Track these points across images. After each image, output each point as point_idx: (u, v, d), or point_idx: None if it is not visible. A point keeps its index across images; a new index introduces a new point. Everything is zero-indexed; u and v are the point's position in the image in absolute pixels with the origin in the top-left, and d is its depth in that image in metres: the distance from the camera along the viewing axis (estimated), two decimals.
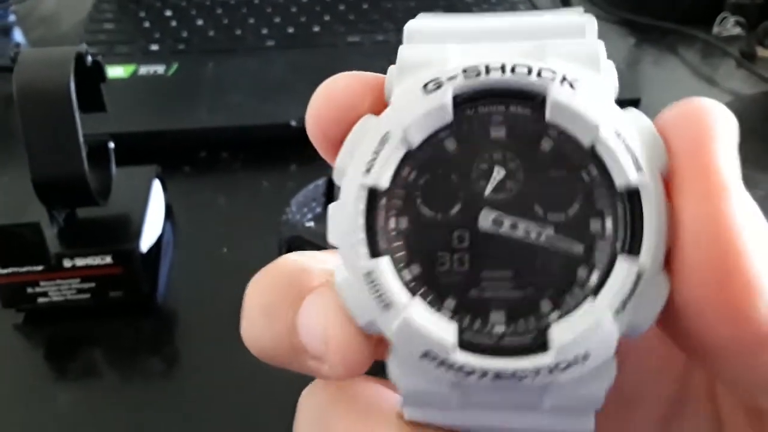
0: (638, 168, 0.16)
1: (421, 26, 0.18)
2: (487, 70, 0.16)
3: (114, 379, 0.43)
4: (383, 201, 0.17)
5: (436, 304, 0.17)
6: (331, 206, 0.17)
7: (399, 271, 0.17)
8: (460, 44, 0.17)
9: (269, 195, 0.57)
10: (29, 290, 0.44)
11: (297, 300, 0.18)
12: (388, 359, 0.17)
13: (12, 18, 0.84)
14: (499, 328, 0.16)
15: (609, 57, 0.17)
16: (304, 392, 0.19)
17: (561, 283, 0.16)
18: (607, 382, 0.16)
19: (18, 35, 0.82)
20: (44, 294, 0.44)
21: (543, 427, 0.17)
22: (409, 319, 0.16)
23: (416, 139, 0.17)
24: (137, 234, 0.45)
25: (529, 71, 0.16)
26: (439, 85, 0.17)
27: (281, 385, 0.42)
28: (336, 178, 0.17)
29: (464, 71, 0.17)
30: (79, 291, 0.45)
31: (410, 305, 0.16)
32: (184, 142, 0.61)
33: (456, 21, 0.18)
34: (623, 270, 0.16)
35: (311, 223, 0.45)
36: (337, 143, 0.18)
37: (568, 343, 0.16)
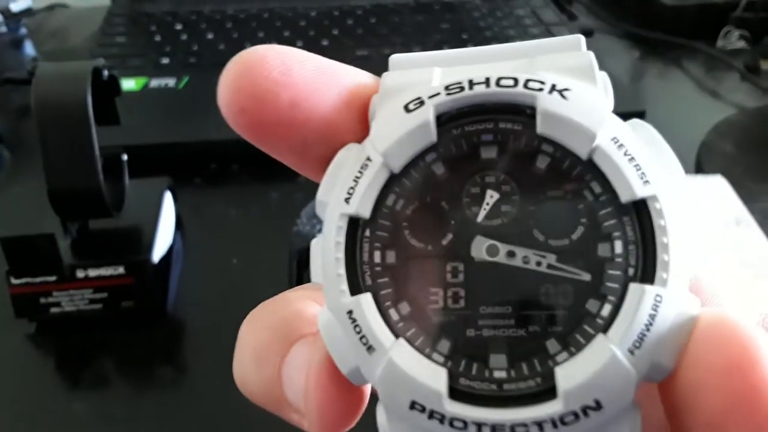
0: (645, 181, 0.14)
1: (405, 57, 0.17)
2: (471, 84, 0.15)
3: (125, 388, 0.43)
4: (366, 232, 0.15)
5: (428, 346, 0.15)
6: (314, 241, 0.16)
7: (386, 310, 0.15)
8: (446, 68, 0.16)
9: (278, 206, 0.57)
10: (42, 300, 0.45)
11: (285, 347, 0.17)
12: (377, 408, 0.15)
13: (23, 31, 0.85)
14: (500, 373, 0.14)
15: (614, 70, 0.16)
16: None
17: (568, 318, 0.14)
18: None
19: (29, 48, 0.83)
20: (57, 304, 0.45)
21: None
22: (393, 363, 0.14)
23: (398, 163, 0.15)
24: (149, 245, 0.46)
25: (516, 83, 0.15)
26: (420, 104, 0.15)
27: None
28: (318, 211, 0.16)
29: (446, 88, 0.15)
30: (92, 301, 0.45)
31: (394, 347, 0.14)
32: (195, 155, 0.61)
33: (441, 51, 0.17)
34: (635, 299, 0.14)
35: None
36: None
37: (577, 387, 0.13)
